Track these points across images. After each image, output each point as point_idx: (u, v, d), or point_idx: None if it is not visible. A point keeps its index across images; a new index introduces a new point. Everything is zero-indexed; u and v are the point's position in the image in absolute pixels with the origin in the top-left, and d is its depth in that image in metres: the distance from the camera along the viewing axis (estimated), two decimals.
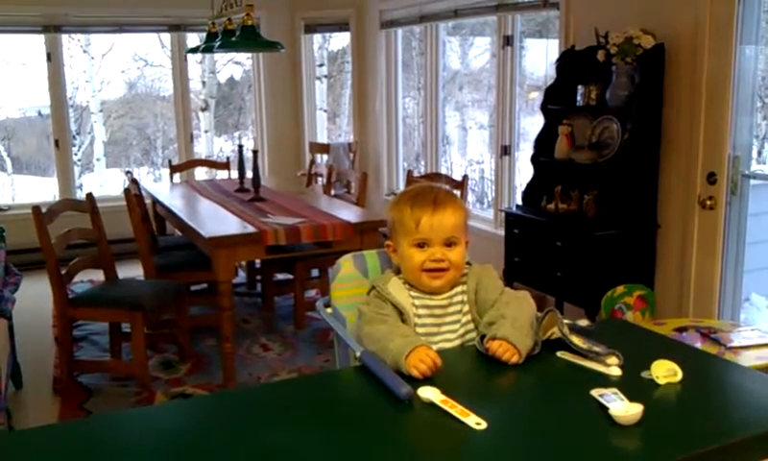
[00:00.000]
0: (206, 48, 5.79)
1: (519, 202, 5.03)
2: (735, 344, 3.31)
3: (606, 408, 1.43)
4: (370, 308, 1.84)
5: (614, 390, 1.49)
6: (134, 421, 1.60)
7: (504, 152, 5.88)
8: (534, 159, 4.85)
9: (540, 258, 4.56)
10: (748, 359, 3.09)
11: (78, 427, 1.67)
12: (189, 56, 7.85)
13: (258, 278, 5.96)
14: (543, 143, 4.78)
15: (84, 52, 8.42)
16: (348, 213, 4.71)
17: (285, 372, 4.45)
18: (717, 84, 3.91)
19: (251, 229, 4.28)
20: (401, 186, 7.14)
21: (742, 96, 3.92)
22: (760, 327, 3.64)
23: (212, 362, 4.57)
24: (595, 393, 1.50)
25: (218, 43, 5.24)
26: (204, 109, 9.24)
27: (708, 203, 4.01)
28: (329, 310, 2.05)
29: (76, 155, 8.31)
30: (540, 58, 6.16)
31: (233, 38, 5.10)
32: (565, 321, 1.75)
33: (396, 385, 1.52)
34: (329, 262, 5.36)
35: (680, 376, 1.59)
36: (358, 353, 1.73)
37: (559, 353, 1.74)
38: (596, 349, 1.68)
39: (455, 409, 1.44)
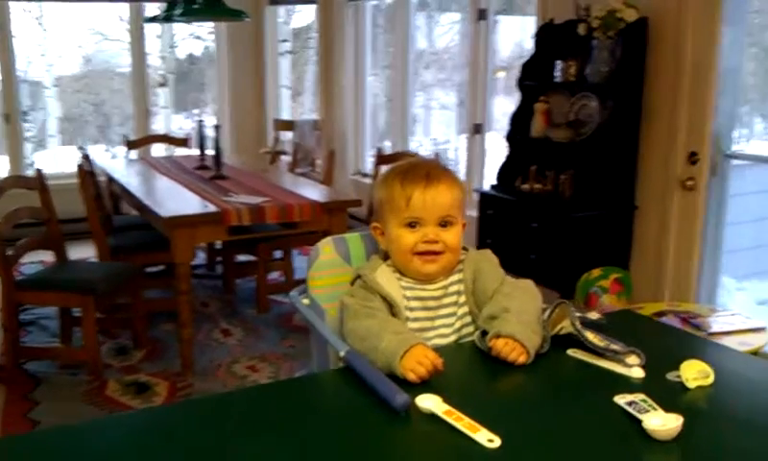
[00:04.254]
0: (167, 17, 5.48)
1: (490, 182, 4.86)
2: (716, 329, 3.25)
3: (638, 420, 1.22)
4: (355, 301, 1.61)
5: (642, 397, 1.29)
6: (88, 434, 1.34)
7: (476, 130, 5.69)
8: (509, 138, 4.68)
9: (514, 240, 4.41)
10: (730, 346, 2.98)
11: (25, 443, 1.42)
12: (148, 29, 7.51)
13: (219, 259, 5.71)
14: (519, 121, 4.61)
15: (39, 24, 8.03)
16: (315, 192, 4.48)
17: (246, 358, 4.23)
18: (701, 61, 3.79)
19: (212, 208, 4.03)
20: (368, 166, 6.92)
21: (725, 74, 3.81)
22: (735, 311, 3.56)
23: (169, 348, 4.32)
24: (620, 400, 1.29)
25: (179, 11, 4.96)
26: (162, 85, 8.91)
27: (689, 184, 3.91)
28: (306, 301, 1.81)
29: (29, 131, 7.96)
30: (507, 36, 5.98)
31: (195, 6, 4.83)
32: (577, 314, 1.54)
33: (391, 393, 1.29)
34: (294, 243, 5.14)
35: (712, 378, 1.39)
36: (342, 353, 1.49)
37: (569, 351, 1.53)
38: (614, 346, 1.48)
39: (462, 422, 1.22)
